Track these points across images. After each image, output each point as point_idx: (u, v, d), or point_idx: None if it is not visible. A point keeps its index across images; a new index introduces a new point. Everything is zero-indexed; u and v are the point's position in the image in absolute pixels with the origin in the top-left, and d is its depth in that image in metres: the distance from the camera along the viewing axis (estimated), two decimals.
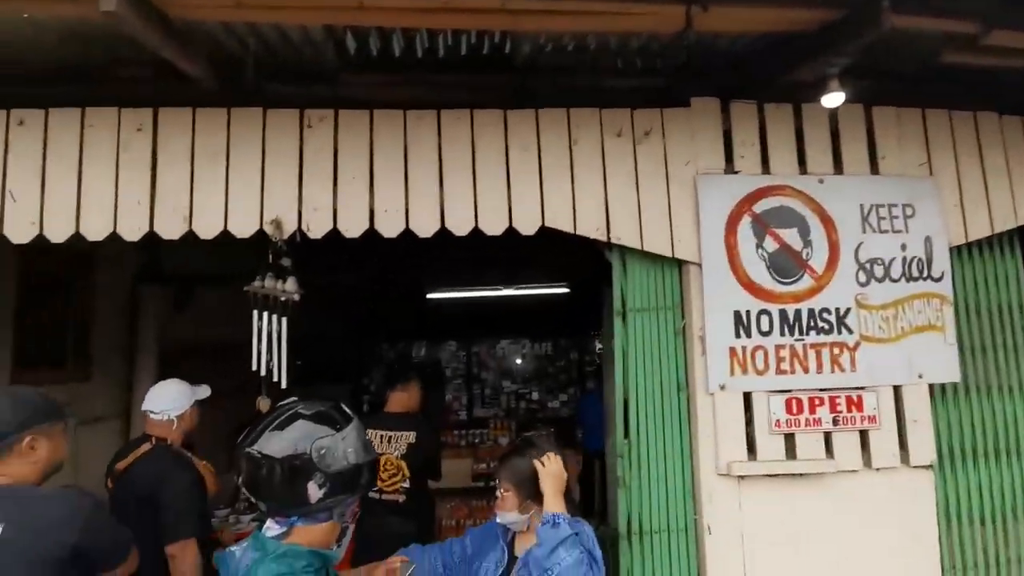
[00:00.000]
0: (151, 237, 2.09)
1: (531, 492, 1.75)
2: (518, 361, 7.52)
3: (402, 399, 3.31)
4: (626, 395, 2.25)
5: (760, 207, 2.35)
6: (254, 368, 2.06)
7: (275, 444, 1.41)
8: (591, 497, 5.34)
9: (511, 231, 2.20)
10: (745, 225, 2.32)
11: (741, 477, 2.19)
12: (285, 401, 1.52)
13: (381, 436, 3.19)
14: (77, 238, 2.07)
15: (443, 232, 2.17)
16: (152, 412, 2.56)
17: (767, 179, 2.39)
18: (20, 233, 2.06)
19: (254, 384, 6.79)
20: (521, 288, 5.38)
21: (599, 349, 7.47)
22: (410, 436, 3.24)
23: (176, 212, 2.09)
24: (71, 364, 4.30)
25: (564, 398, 7.18)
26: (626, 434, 2.24)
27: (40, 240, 2.06)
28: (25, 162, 2.08)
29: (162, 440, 2.53)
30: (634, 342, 2.28)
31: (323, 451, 1.39)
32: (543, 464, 1.69)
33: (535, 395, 7.32)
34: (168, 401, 2.56)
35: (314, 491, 1.40)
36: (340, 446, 1.41)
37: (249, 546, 1.46)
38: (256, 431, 1.47)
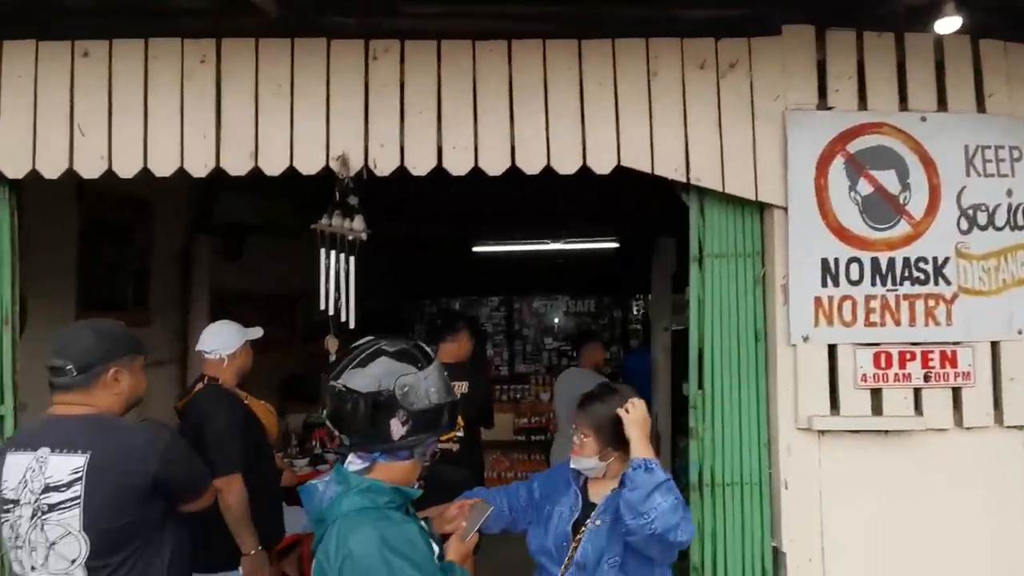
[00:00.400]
0: (217, 174, 2.05)
1: (611, 438, 1.69)
2: (558, 320, 7.45)
3: (452, 350, 3.28)
4: (701, 344, 2.15)
5: (855, 146, 2.18)
6: (322, 308, 2.03)
7: (359, 379, 1.38)
8: None
9: (584, 170, 2.08)
10: (837, 166, 2.15)
11: (822, 432, 2.08)
12: (364, 339, 1.49)
13: None
14: (145, 174, 2.05)
15: (508, 173, 2.07)
16: (205, 352, 2.62)
17: (864, 116, 2.20)
18: (90, 168, 2.04)
19: (301, 334, 6.90)
20: (569, 242, 5.26)
21: (640, 309, 7.35)
22: (463, 386, 3.22)
23: (241, 148, 2.04)
24: (132, 310, 4.40)
25: (606, 356, 7.12)
26: (700, 384, 2.15)
27: (109, 176, 2.04)
28: (92, 95, 2.04)
29: (214, 379, 2.58)
30: (711, 290, 2.16)
31: (406, 389, 1.35)
32: (628, 411, 1.63)
33: (576, 352, 7.27)
34: (219, 341, 2.60)
35: (396, 428, 1.37)
36: (422, 385, 1.37)
37: (332, 479, 1.45)
38: (339, 366, 1.44)
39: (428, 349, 1.48)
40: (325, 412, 1.44)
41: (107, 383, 1.72)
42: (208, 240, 5.32)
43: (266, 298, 5.91)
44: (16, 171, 2.04)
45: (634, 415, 1.63)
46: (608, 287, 7.10)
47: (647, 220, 5.35)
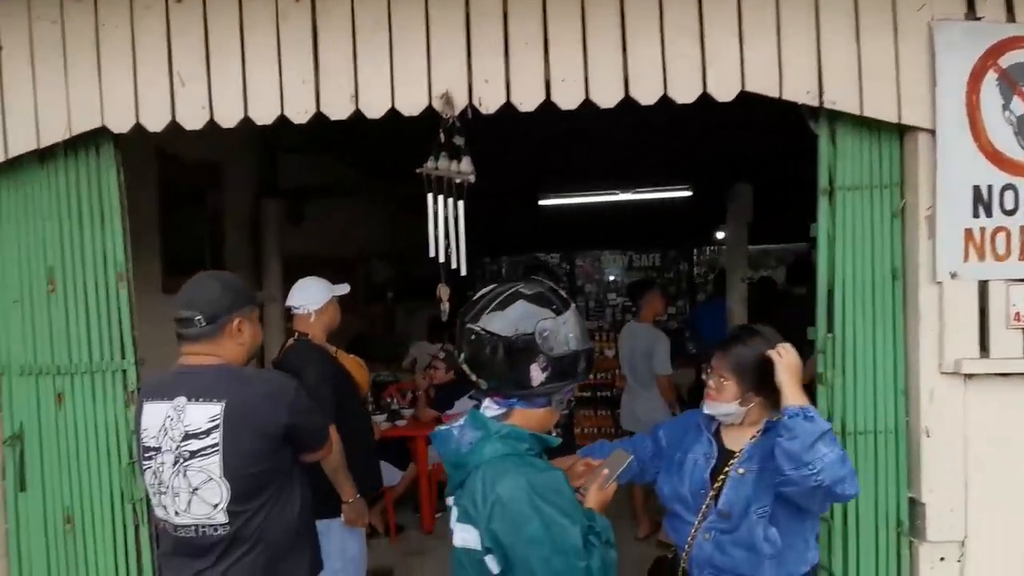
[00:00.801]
0: (318, 118, 1.98)
1: (754, 383, 1.59)
2: (621, 274, 7.29)
3: None
4: (831, 284, 2.00)
5: (1007, 61, 1.93)
6: (431, 255, 1.96)
7: (498, 322, 1.31)
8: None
9: (704, 97, 1.92)
10: (989, 83, 1.92)
11: (968, 376, 1.92)
12: (497, 284, 1.42)
13: None
14: (247, 123, 2.00)
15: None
16: (294, 308, 2.67)
17: (1013, 28, 1.95)
18: (192, 119, 2.00)
19: (363, 295, 6.91)
20: (639, 192, 5.07)
21: (703, 261, 7.12)
22: None
23: (342, 90, 1.96)
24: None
25: (672, 311, 6.95)
26: (829, 328, 2.01)
27: (212, 126, 2.01)
28: (189, 43, 1.99)
29: (303, 334, 2.61)
30: (842, 225, 1.99)
31: (546, 333, 1.29)
32: (780, 354, 1.52)
33: (635, 305, 7.13)
34: (306, 296, 2.62)
35: (536, 374, 1.30)
36: (562, 330, 1.30)
37: (467, 424, 1.40)
38: (476, 308, 1.38)
39: (565, 295, 1.40)
40: (462, 355, 1.39)
41: (232, 333, 1.72)
42: (275, 203, 5.36)
43: (329, 260, 5.98)
44: (120, 125, 2.02)
45: (787, 359, 1.51)
46: (674, 239, 6.88)
47: (722, 167, 5.10)
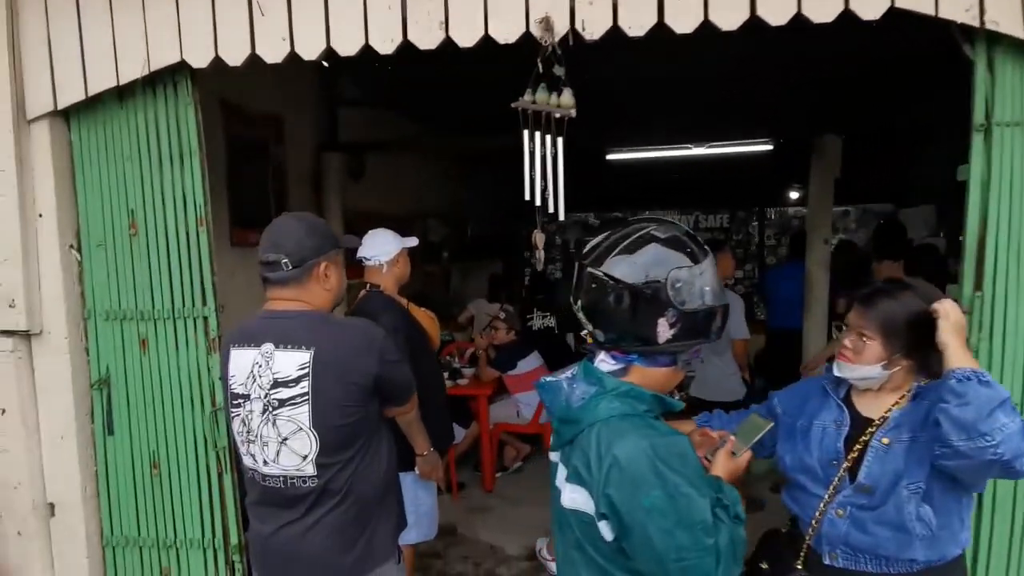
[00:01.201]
0: (405, 48, 1.83)
1: (905, 344, 1.38)
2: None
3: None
4: (983, 234, 1.75)
5: None
6: (527, 197, 1.81)
7: (625, 267, 1.15)
8: (777, 378, 4.95)
9: (846, 14, 1.66)
10: None
11: None
12: (626, 223, 1.26)
13: None
14: (329, 54, 1.86)
15: (744, 27, 1.69)
16: (365, 259, 2.57)
17: None
18: (272, 51, 1.88)
19: (420, 256, 6.83)
20: (714, 146, 4.75)
21: (775, 220, 6.71)
22: None
23: (431, 17, 1.79)
24: None
25: (739, 274, 6.62)
26: (978, 285, 1.76)
27: (293, 57, 1.88)
28: None
29: (375, 286, 2.55)
30: (999, 166, 1.72)
31: (679, 284, 1.12)
32: (944, 311, 1.31)
33: None
34: (378, 247, 2.54)
35: (663, 329, 1.14)
36: (697, 281, 1.14)
37: (578, 377, 1.26)
38: (599, 249, 1.22)
39: (700, 240, 1.23)
40: (578, 303, 1.24)
41: (319, 278, 1.62)
42: (335, 158, 5.29)
43: (388, 217, 5.91)
44: (199, 60, 1.92)
45: (954, 316, 1.30)
46: (744, 199, 6.50)
47: (806, 118, 4.71)
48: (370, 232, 2.70)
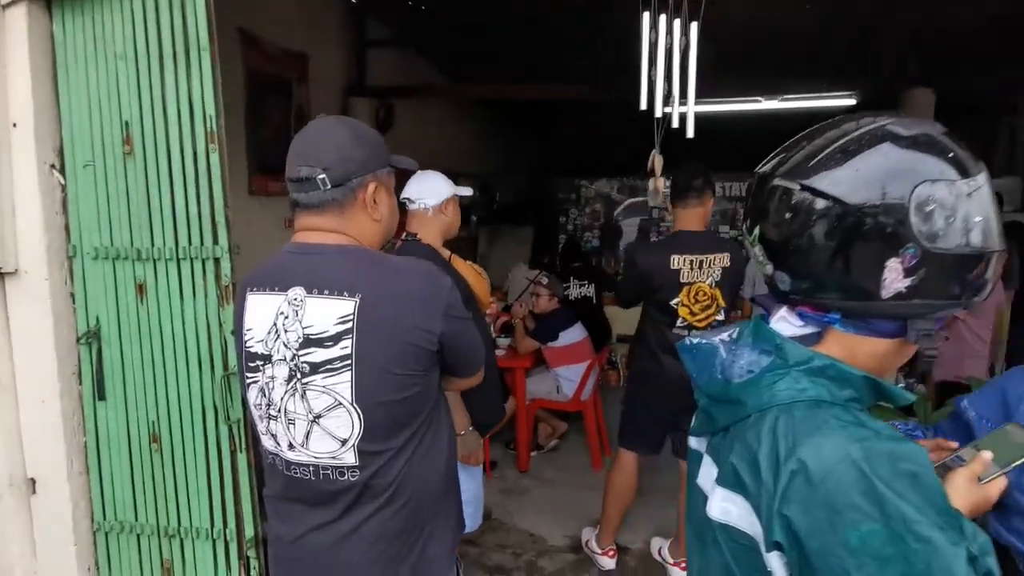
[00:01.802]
0: None
1: None
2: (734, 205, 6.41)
3: (699, 215, 2.57)
4: None
5: None
6: (642, 107, 1.35)
7: (843, 179, 0.71)
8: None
9: None
10: None
11: None
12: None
13: (691, 262, 2.52)
14: None
15: None
16: (409, 201, 2.19)
17: None
18: None
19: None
20: (787, 99, 4.22)
21: None
22: (724, 259, 2.54)
23: None
24: None
25: None
26: None
27: None
28: None
29: (413, 234, 2.18)
30: None
31: (931, 207, 0.68)
32: None
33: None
34: (425, 189, 2.17)
35: (894, 277, 0.70)
36: (962, 206, 0.71)
37: (743, 340, 0.83)
38: (798, 154, 0.78)
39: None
40: (756, 231, 0.81)
41: (366, 203, 1.20)
42: (364, 104, 4.84)
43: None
44: None
45: None
46: None
47: (893, 68, 4.15)
48: (417, 173, 2.30)
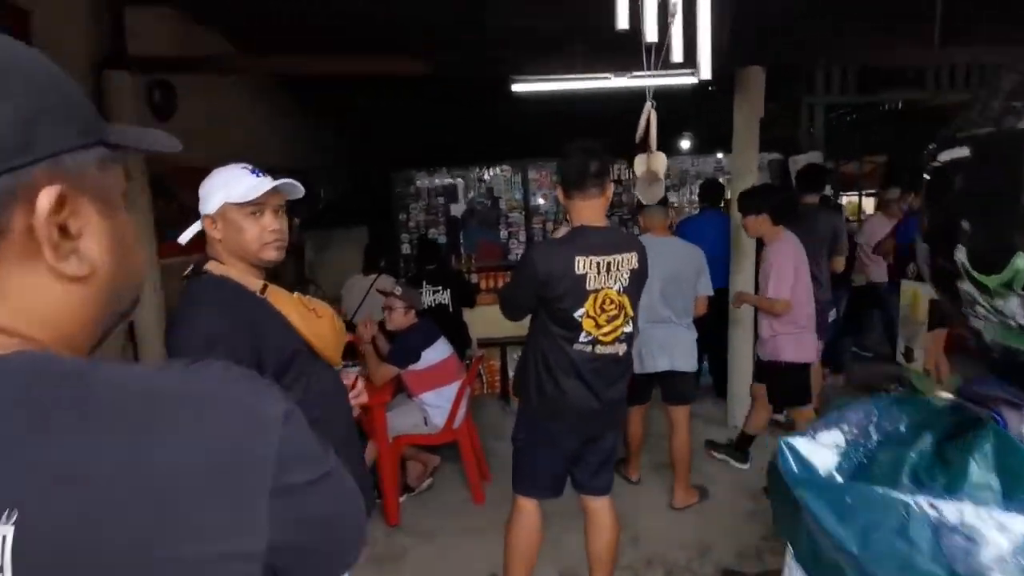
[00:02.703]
0: None
1: None
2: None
3: (600, 206, 2.11)
4: None
5: None
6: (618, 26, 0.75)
7: None
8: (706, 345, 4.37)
9: None
10: None
11: None
12: None
13: (597, 264, 2.04)
14: None
15: None
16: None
17: None
18: None
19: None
20: (636, 77, 3.99)
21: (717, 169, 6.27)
22: (632, 259, 2.11)
23: None
24: None
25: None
26: None
27: None
28: None
29: (202, 261, 1.56)
30: None
31: None
32: None
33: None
34: (204, 190, 1.58)
35: None
36: None
37: (971, 483, 0.33)
38: None
39: None
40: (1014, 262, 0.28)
41: (42, 236, 0.47)
42: (126, 81, 3.68)
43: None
44: None
45: None
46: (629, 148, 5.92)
47: (727, 46, 4.12)
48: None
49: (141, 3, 3.86)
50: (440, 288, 4.63)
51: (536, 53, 3.86)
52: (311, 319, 1.59)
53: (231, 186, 1.54)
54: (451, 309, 4.64)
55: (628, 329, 2.13)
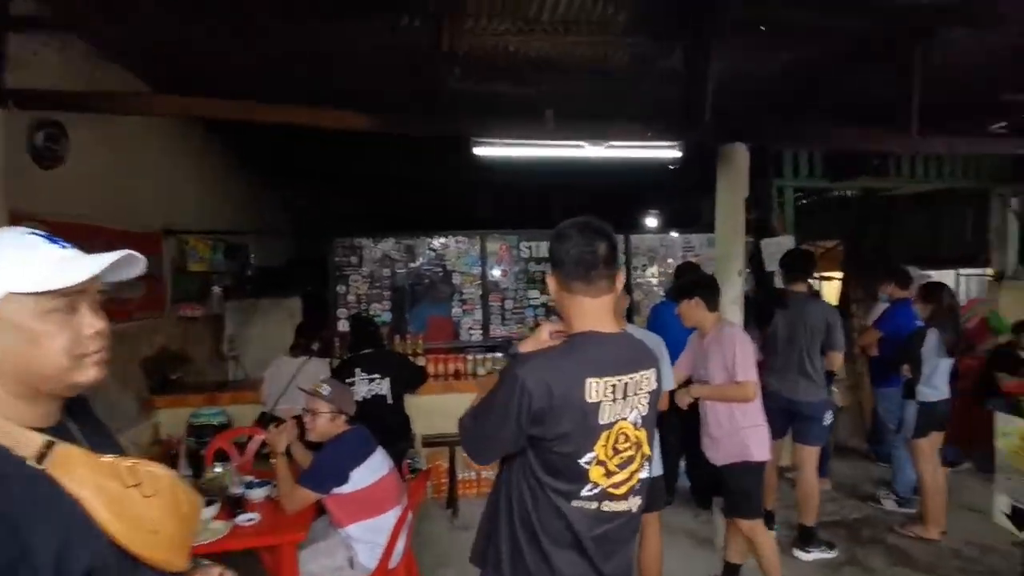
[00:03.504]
0: None
1: None
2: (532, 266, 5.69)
3: (610, 304, 1.52)
4: None
5: None
6: None
7: None
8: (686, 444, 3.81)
9: None
10: None
11: None
12: None
13: (612, 388, 1.42)
14: None
15: None
16: None
17: None
18: None
19: (169, 291, 4.50)
20: (614, 147, 3.58)
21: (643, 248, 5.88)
22: (651, 378, 1.50)
23: None
24: None
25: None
26: None
27: None
28: None
29: None
30: None
31: None
32: None
33: None
34: None
35: None
36: None
37: None
38: None
39: None
40: None
41: None
42: (7, 120, 2.97)
43: (109, 235, 3.63)
44: None
45: None
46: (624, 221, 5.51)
47: (711, 121, 3.80)
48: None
49: (33, 29, 3.19)
50: (378, 376, 3.91)
51: (502, 116, 3.39)
52: (130, 503, 0.89)
53: (16, 265, 0.88)
54: (390, 401, 3.90)
55: (645, 475, 1.51)
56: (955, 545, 3.71)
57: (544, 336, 1.58)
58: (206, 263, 4.80)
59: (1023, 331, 4.99)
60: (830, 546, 3.64)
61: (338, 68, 3.79)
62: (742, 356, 2.82)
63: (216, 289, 4.94)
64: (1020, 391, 4.72)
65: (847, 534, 3.92)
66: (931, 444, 3.80)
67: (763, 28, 3.98)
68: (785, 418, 3.65)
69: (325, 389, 2.70)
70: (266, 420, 3.90)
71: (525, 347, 1.56)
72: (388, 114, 3.09)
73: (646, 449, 1.49)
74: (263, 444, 3.41)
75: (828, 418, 3.69)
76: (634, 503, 1.49)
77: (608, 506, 1.44)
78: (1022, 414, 4.66)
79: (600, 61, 3.75)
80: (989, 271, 6.31)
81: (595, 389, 1.37)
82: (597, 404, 1.37)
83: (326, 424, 2.68)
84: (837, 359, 3.68)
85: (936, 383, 3.77)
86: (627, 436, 1.44)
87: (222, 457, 3.30)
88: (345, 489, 2.56)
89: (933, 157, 5.78)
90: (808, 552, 3.60)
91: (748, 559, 3.13)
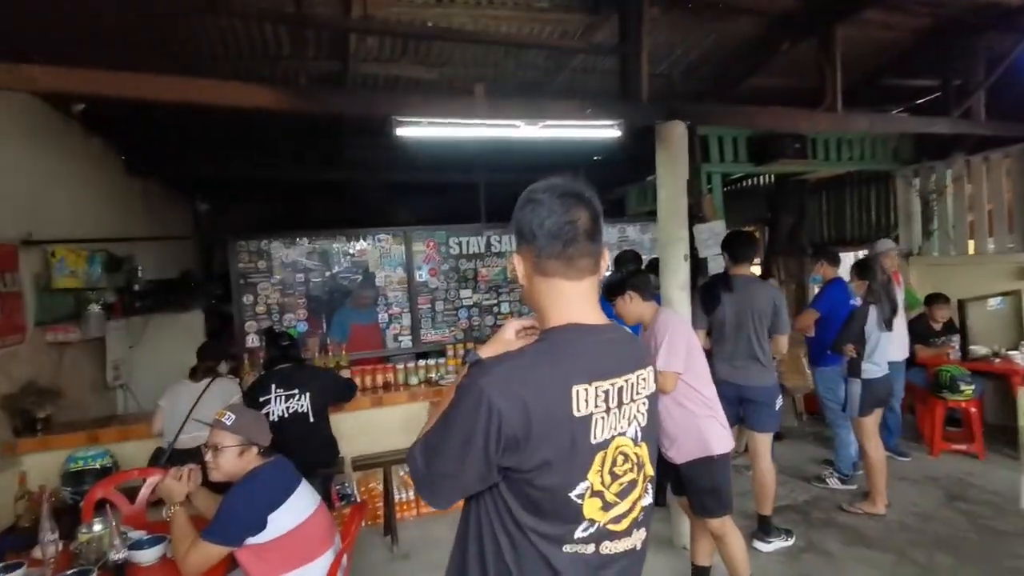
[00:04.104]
0: None
1: None
2: (485, 262, 5.30)
3: (591, 288, 1.19)
4: None
5: None
6: None
7: None
8: None
9: None
10: None
11: None
12: None
13: (605, 394, 1.08)
14: None
15: None
16: None
17: None
18: None
19: (36, 312, 3.81)
20: (550, 127, 3.29)
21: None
22: (648, 378, 1.18)
23: None
24: None
25: None
26: None
27: None
28: None
29: None
30: None
31: None
32: None
33: (507, 307, 5.30)
34: None
35: None
36: None
37: None
38: None
39: None
40: None
41: None
42: None
43: None
44: None
45: None
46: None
47: (648, 99, 3.62)
48: None
49: None
50: (296, 391, 3.42)
51: (427, 93, 3.01)
52: None
53: None
54: (311, 419, 3.43)
55: (648, 502, 1.20)
56: (899, 517, 3.74)
57: (509, 335, 1.24)
58: (79, 278, 4.07)
59: (935, 303, 5.19)
60: (788, 534, 3.55)
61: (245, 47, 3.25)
62: (667, 343, 2.62)
63: (94, 307, 4.21)
64: (937, 362, 4.91)
65: (800, 518, 3.86)
66: (874, 421, 3.82)
67: (690, 5, 3.86)
68: (736, 405, 3.52)
69: (228, 418, 2.21)
70: (163, 458, 3.31)
71: (487, 351, 1.21)
72: (300, 87, 2.63)
73: (648, 469, 1.18)
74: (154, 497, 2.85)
75: (779, 403, 3.59)
76: (638, 538, 1.18)
77: (608, 547, 1.13)
78: (941, 385, 4.88)
79: (526, 37, 3.46)
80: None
81: (584, 398, 1.04)
82: (588, 418, 1.05)
83: (233, 461, 2.20)
84: (783, 342, 3.58)
85: (877, 359, 3.78)
86: (626, 456, 1.12)
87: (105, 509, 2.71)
88: (263, 538, 2.10)
89: (846, 141, 5.96)
90: (768, 543, 3.48)
91: (717, 559, 2.94)
